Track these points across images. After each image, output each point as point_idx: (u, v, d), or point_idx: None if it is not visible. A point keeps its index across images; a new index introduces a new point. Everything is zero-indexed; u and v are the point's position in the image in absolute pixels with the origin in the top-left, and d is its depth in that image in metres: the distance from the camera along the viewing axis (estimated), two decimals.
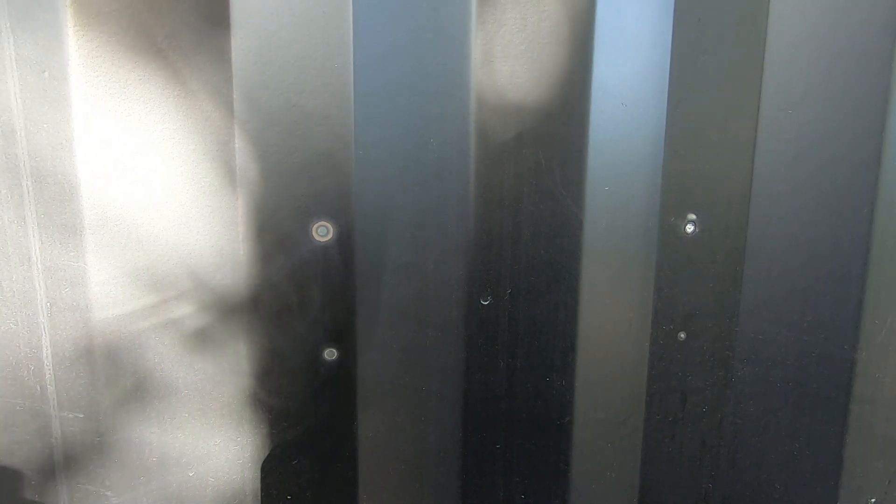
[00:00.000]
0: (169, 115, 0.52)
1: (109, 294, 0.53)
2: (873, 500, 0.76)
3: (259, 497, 0.61)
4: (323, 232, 0.58)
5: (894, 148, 0.67)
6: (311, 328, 0.60)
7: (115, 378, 0.53)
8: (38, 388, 0.53)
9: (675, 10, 0.63)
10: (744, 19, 0.64)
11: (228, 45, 0.53)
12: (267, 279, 0.58)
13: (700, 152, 0.65)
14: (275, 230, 0.57)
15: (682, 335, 0.70)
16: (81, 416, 0.54)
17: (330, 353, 0.61)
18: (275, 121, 0.56)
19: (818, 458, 0.75)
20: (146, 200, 0.53)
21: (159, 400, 0.55)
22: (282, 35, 0.54)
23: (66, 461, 0.56)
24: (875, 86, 0.65)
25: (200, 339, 0.56)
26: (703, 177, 0.66)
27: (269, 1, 0.54)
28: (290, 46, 0.55)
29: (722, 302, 0.70)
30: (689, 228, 0.67)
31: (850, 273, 0.68)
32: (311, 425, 0.62)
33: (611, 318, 0.65)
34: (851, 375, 0.72)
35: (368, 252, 0.59)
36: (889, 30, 0.63)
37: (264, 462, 0.61)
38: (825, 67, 0.64)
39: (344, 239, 0.59)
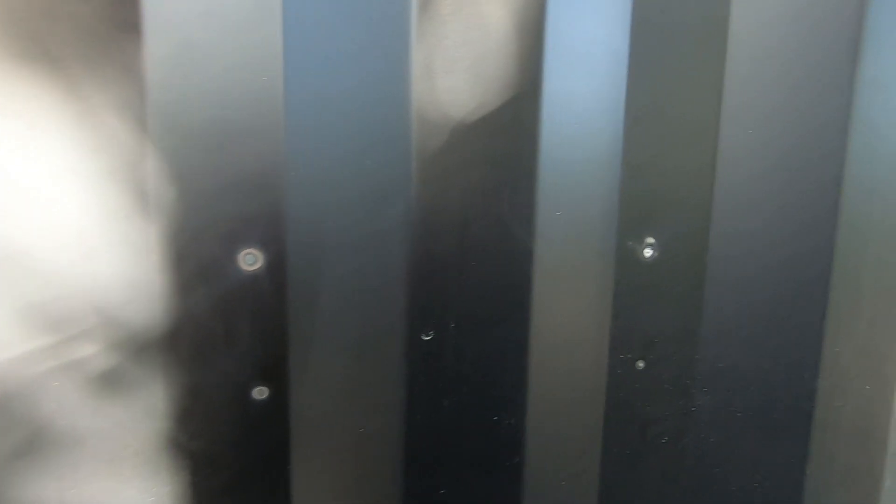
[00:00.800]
0: (67, 135, 0.47)
1: None
2: None
3: None
4: (251, 260, 0.53)
5: (856, 169, 0.65)
6: (238, 365, 0.55)
7: (4, 430, 0.47)
8: None
9: (631, 24, 0.60)
10: (704, 36, 0.62)
11: (140, 54, 0.48)
12: (188, 312, 0.53)
13: (659, 172, 0.62)
14: (196, 258, 0.52)
15: (641, 364, 0.67)
16: None
17: (260, 392, 0.56)
18: (195, 138, 0.51)
19: (780, 488, 0.72)
20: (42, 230, 0.47)
21: (60, 451, 0.49)
22: (202, 43, 0.49)
23: None
24: (837, 105, 0.63)
25: (109, 381, 0.50)
26: (662, 198, 0.63)
27: (186, 4, 0.49)
28: (213, 56, 0.50)
29: (682, 328, 0.67)
30: (648, 252, 0.64)
31: (811, 297, 0.66)
32: (239, 471, 0.56)
33: (565, 349, 0.61)
34: (813, 403, 0.70)
35: (301, 282, 0.54)
36: (851, 47, 0.61)
37: None
38: (787, 86, 0.62)
39: (274, 267, 0.54)
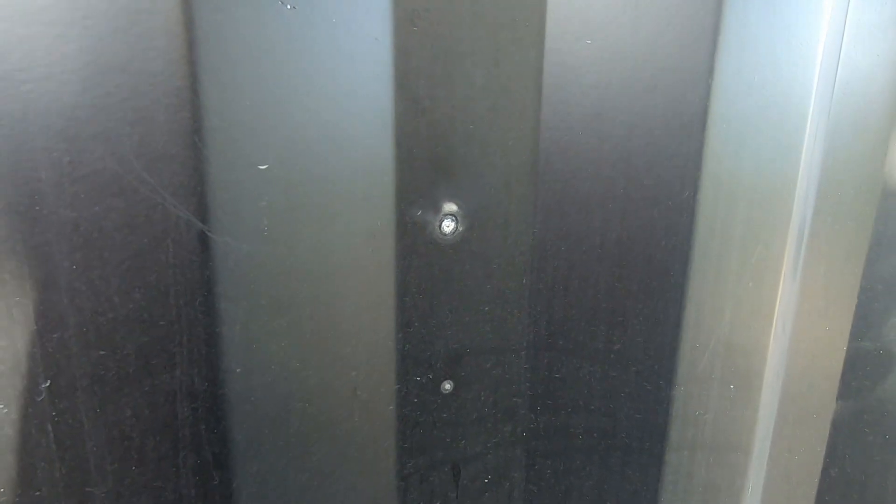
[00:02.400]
0: None
1: None
2: None
3: None
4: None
5: (715, 143, 0.49)
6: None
7: None
8: None
9: None
10: None
11: None
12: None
13: (458, 106, 0.42)
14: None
15: (448, 385, 0.48)
16: None
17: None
18: None
19: None
20: None
21: None
22: None
23: None
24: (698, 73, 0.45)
25: None
26: (466, 146, 0.43)
27: None
28: None
29: (503, 332, 0.49)
30: (448, 227, 0.44)
31: (667, 285, 0.51)
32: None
33: (314, 385, 0.40)
34: (668, 417, 0.56)
35: None
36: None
37: None
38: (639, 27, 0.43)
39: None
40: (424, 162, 0.41)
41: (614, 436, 0.53)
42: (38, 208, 0.28)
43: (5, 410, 0.29)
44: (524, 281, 0.47)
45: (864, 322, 0.64)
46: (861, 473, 0.71)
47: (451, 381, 0.47)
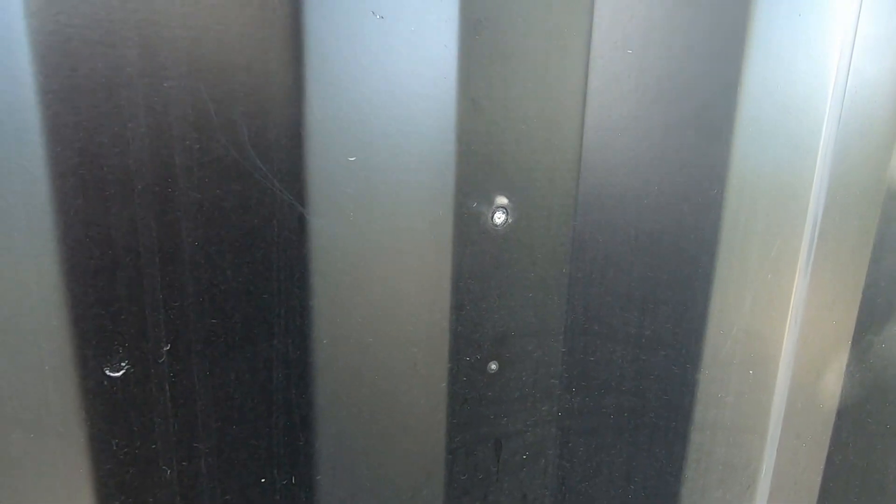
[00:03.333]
0: None
1: None
2: None
3: None
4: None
5: (740, 145, 0.54)
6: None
7: None
8: None
9: None
10: None
11: None
12: None
13: (511, 107, 0.46)
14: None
15: (494, 365, 0.52)
16: None
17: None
18: None
19: (654, 498, 0.62)
20: None
21: None
22: None
23: None
24: (726, 80, 0.50)
25: None
26: (517, 144, 0.47)
27: None
28: None
29: (544, 316, 0.53)
30: (499, 218, 0.48)
31: (695, 275, 0.55)
32: None
33: (383, 359, 0.44)
34: (693, 399, 0.60)
35: None
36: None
37: None
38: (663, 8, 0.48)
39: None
40: (480, 158, 0.45)
41: (643, 415, 0.57)
42: (170, 189, 0.32)
43: (132, 370, 0.33)
44: (564, 269, 0.51)
45: (868, 316, 0.69)
46: (863, 460, 0.75)
47: (496, 362, 0.50)
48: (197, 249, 0.33)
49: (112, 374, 0.32)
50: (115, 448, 0.33)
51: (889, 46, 0.57)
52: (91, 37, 0.29)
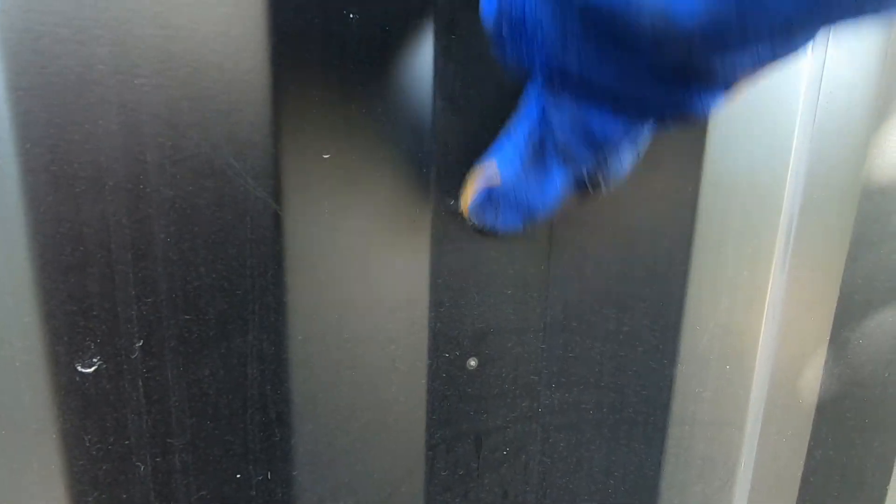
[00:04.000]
0: None
1: None
2: None
3: None
4: None
5: (714, 144, 0.54)
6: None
7: None
8: None
9: None
10: None
11: None
12: None
13: (488, 106, 0.46)
14: None
15: (473, 362, 0.52)
16: None
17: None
18: None
19: (634, 492, 0.63)
20: None
21: None
22: None
23: None
24: None
25: None
26: (496, 141, 0.47)
27: None
28: None
29: (524, 313, 0.53)
30: None
31: (672, 272, 0.56)
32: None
33: (361, 355, 0.44)
34: (671, 394, 0.61)
35: None
36: None
37: None
38: None
39: None
40: (458, 156, 0.45)
41: (622, 411, 0.57)
42: (142, 186, 0.32)
43: (104, 366, 0.33)
44: (542, 267, 0.52)
45: (846, 313, 0.70)
46: (843, 456, 0.76)
47: (475, 358, 0.51)
48: (170, 246, 0.33)
49: (84, 371, 0.32)
50: (87, 444, 0.33)
51: (865, 47, 0.58)
52: (62, 34, 0.29)
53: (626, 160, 0.37)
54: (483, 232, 0.46)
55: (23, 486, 0.33)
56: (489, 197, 0.41)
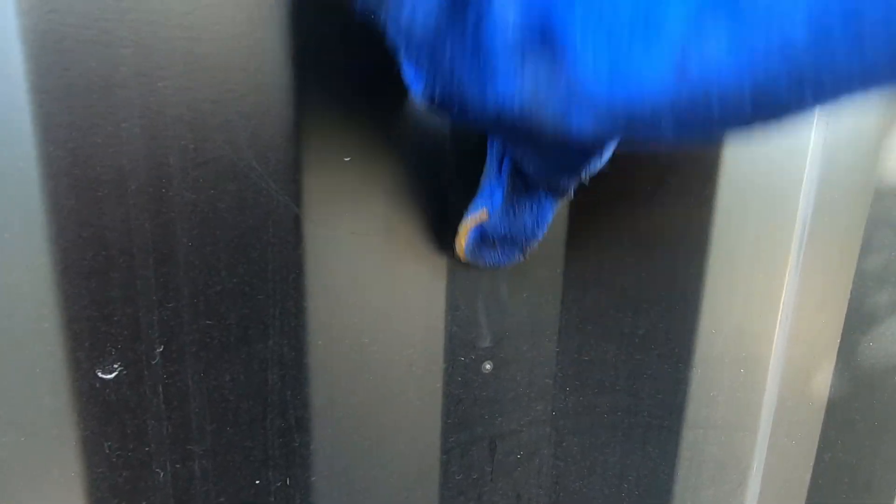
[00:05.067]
0: None
1: None
2: None
3: None
4: None
5: (732, 146, 0.54)
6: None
7: None
8: None
9: None
10: None
11: None
12: None
13: None
14: None
15: (489, 365, 0.52)
16: None
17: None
18: None
19: (647, 496, 0.63)
20: None
21: None
22: None
23: None
24: None
25: None
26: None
27: None
28: None
29: (538, 316, 0.53)
30: None
31: (687, 275, 0.55)
32: None
33: (379, 359, 0.44)
34: (685, 397, 0.61)
35: None
36: None
37: None
38: None
39: None
40: (476, 158, 0.45)
41: (636, 414, 0.57)
42: (164, 190, 0.31)
43: (125, 372, 0.32)
44: (558, 270, 0.51)
45: (856, 316, 0.70)
46: (852, 458, 0.76)
47: (491, 362, 0.51)
48: (191, 250, 0.33)
49: (104, 377, 0.32)
50: (107, 451, 0.33)
51: None
52: (85, 36, 0.29)
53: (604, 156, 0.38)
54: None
55: (42, 492, 0.32)
56: (482, 235, 0.41)
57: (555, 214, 0.45)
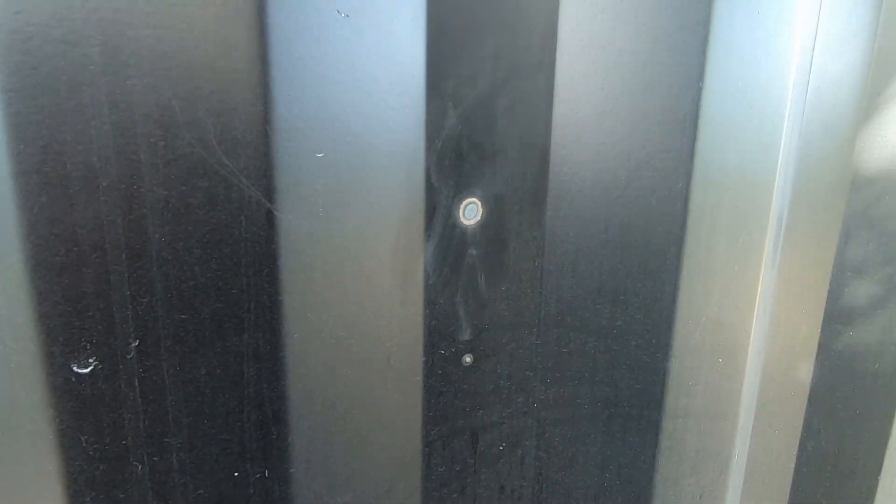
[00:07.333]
0: None
1: None
2: None
3: None
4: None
5: (705, 139, 0.55)
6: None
7: None
8: None
9: None
10: None
11: None
12: None
13: (480, 104, 0.47)
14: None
15: (469, 358, 0.53)
16: None
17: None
18: None
19: (629, 486, 0.63)
20: None
21: None
22: None
23: None
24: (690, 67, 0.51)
25: None
26: (487, 139, 0.48)
27: None
28: None
29: (518, 309, 0.54)
30: (471, 214, 0.49)
31: (664, 267, 0.56)
32: None
33: (356, 353, 0.44)
34: (664, 387, 0.61)
35: None
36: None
37: None
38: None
39: None
40: (451, 153, 0.46)
41: (616, 405, 0.58)
42: (135, 186, 0.32)
43: (100, 366, 0.33)
44: (536, 263, 0.52)
45: (836, 306, 0.71)
46: (835, 446, 0.77)
47: (471, 355, 0.51)
48: (164, 245, 0.33)
49: (80, 371, 0.32)
50: (84, 445, 0.33)
51: (850, 43, 0.59)
52: (52, 35, 0.29)
53: None
54: None
55: (20, 487, 0.33)
56: None
57: (533, 204, 0.46)
